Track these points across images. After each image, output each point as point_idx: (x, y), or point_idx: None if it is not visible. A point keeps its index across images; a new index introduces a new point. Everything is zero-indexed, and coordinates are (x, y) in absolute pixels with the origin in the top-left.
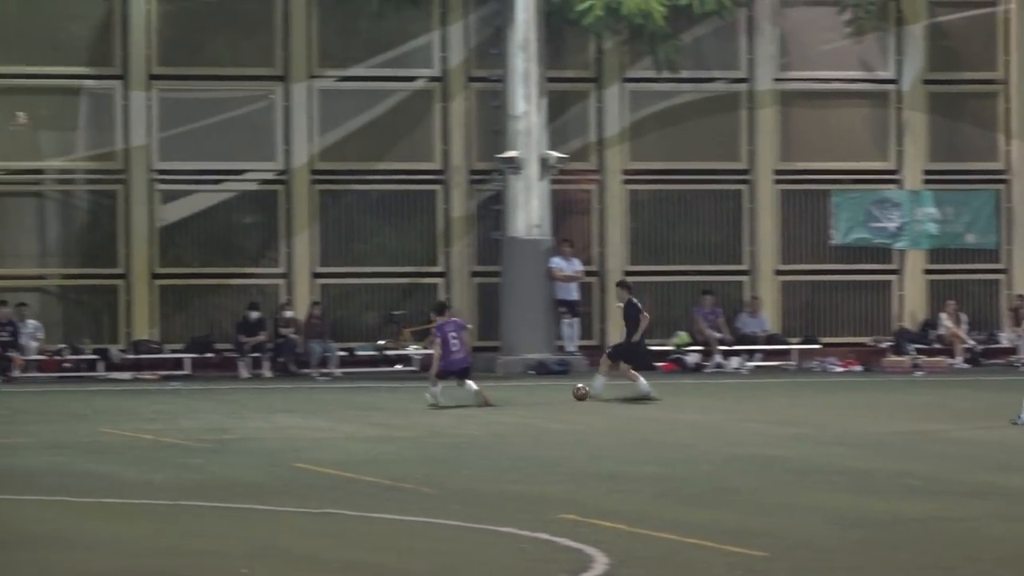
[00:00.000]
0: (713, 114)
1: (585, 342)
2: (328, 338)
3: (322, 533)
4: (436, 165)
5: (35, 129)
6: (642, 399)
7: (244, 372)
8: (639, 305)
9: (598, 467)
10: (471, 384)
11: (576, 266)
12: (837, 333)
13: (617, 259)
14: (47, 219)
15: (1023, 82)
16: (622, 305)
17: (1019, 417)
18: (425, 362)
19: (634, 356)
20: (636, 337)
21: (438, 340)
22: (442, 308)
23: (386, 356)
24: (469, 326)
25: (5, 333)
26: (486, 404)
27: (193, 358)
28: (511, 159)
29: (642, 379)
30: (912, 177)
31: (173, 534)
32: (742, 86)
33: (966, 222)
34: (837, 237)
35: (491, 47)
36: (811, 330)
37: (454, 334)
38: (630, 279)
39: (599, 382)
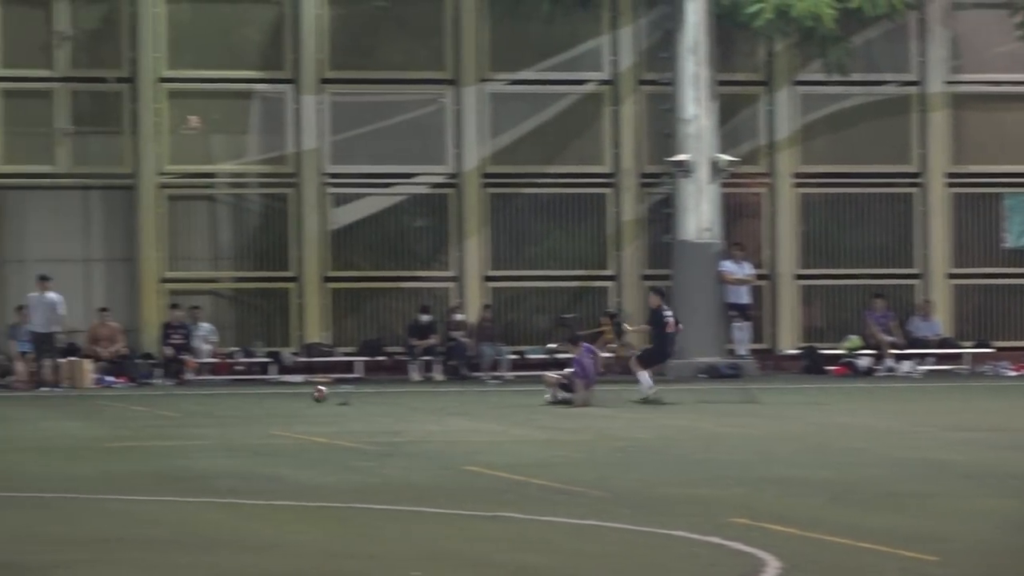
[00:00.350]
0: (884, 117)
1: (756, 346)
2: (499, 341)
3: (493, 536)
4: (606, 168)
5: (207, 133)
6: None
7: (415, 375)
8: (664, 316)
9: (769, 471)
10: None
11: (747, 269)
12: (1010, 337)
13: (788, 263)
14: (219, 222)
15: None
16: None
17: None
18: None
19: (662, 358)
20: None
21: (581, 379)
22: (576, 339)
23: (557, 359)
24: (597, 351)
25: (178, 336)
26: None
27: (365, 361)
28: (681, 162)
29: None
30: None
31: (345, 537)
32: (913, 89)
33: None
34: (1010, 240)
35: (661, 50)
36: (984, 334)
37: (590, 359)
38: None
39: (645, 381)
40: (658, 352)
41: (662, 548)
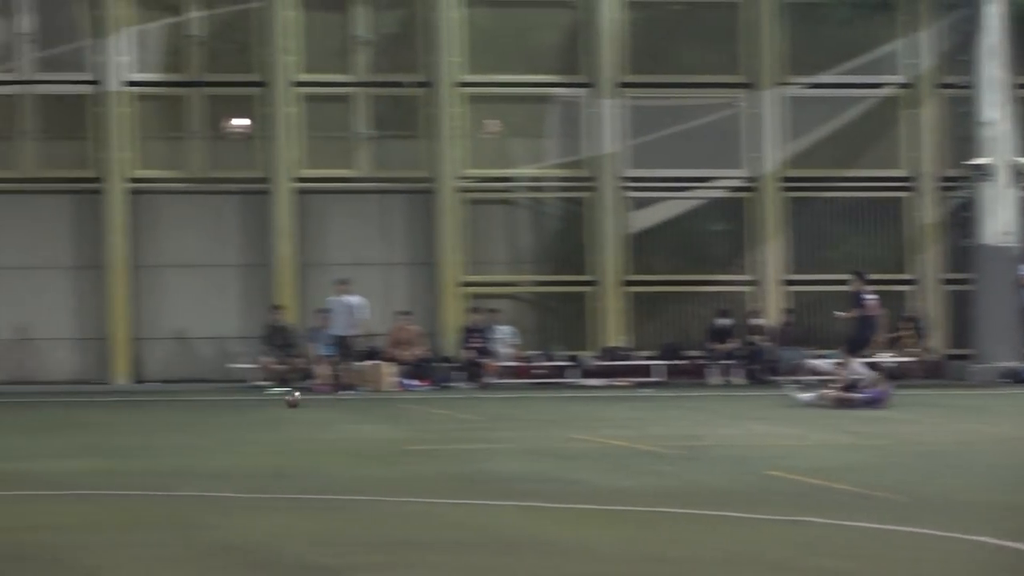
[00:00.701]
0: None
1: None
2: (799, 345)
3: (795, 541)
4: (904, 172)
5: (505, 137)
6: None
7: (714, 379)
8: (864, 298)
9: None
10: None
11: None
12: None
13: None
14: (518, 226)
15: None
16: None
17: None
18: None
19: (863, 342)
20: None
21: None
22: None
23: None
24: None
25: (478, 339)
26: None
27: (665, 365)
28: (980, 166)
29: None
30: None
31: (649, 540)
32: None
33: None
34: None
35: (960, 53)
36: None
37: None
38: None
39: (860, 371)
40: (859, 337)
41: (965, 554)
